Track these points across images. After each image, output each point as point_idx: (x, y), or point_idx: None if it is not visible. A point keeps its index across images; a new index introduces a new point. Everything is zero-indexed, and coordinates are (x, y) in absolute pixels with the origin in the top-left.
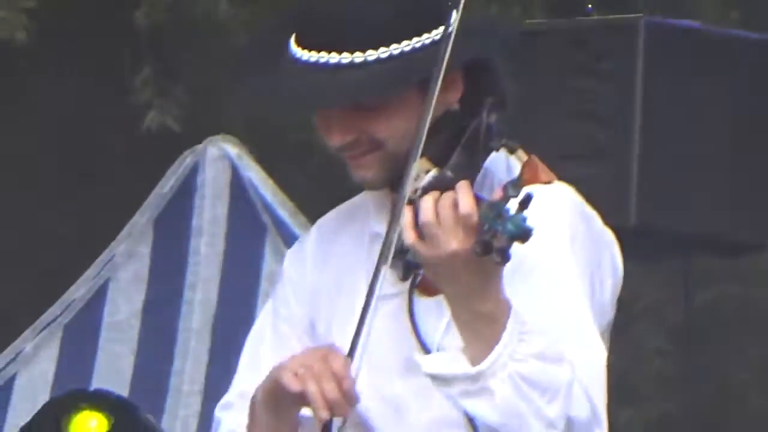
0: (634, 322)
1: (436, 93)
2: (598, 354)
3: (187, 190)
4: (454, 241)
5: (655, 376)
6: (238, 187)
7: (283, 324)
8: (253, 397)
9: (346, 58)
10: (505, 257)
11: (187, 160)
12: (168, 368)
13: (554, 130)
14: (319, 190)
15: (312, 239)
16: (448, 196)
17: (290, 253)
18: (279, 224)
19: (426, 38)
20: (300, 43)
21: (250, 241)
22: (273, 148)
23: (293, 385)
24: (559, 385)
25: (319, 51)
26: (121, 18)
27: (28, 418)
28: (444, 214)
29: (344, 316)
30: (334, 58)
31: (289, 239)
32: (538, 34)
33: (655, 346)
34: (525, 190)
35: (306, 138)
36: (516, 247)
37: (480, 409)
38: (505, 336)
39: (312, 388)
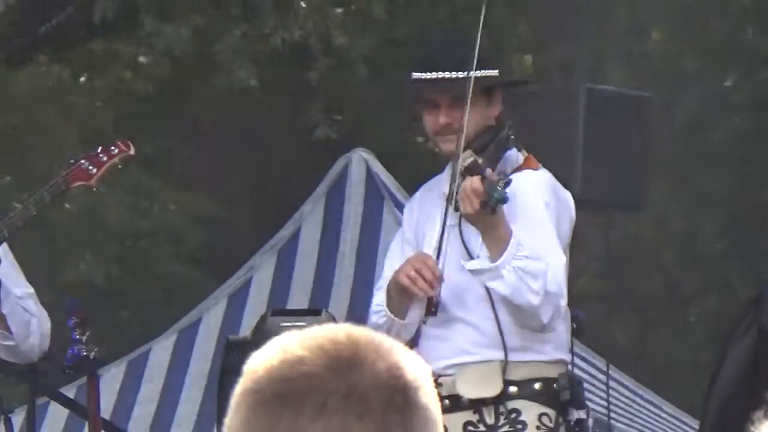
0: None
1: (468, 106)
2: (560, 257)
3: (342, 177)
4: (473, 204)
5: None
6: (370, 177)
7: (405, 242)
8: (387, 286)
9: (455, 74)
10: (495, 212)
11: (342, 159)
12: (330, 282)
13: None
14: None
15: (417, 195)
16: (475, 179)
17: (407, 205)
18: (392, 197)
19: (489, 71)
20: (425, 69)
21: (375, 207)
22: (392, 154)
23: (402, 279)
24: (539, 272)
25: (439, 71)
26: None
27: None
28: (466, 189)
29: (430, 235)
30: (449, 73)
31: (398, 205)
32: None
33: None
34: (525, 174)
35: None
36: (508, 205)
37: (497, 286)
38: (509, 247)
39: (420, 285)
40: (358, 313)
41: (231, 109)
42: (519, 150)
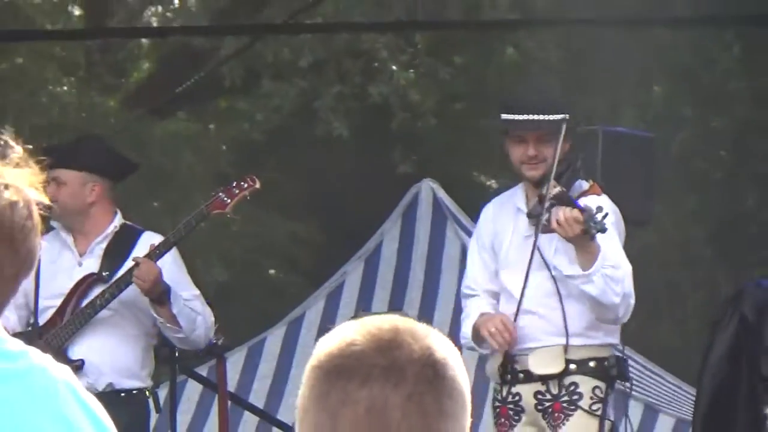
0: None
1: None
2: (629, 265)
3: (414, 202)
4: (574, 230)
5: None
6: (436, 202)
7: (482, 249)
8: (474, 323)
9: (541, 116)
10: (595, 236)
11: (413, 188)
12: (405, 284)
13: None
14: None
15: (490, 208)
16: (568, 210)
17: (482, 215)
18: (453, 217)
19: (564, 116)
20: (516, 112)
21: (440, 225)
22: (452, 183)
23: (484, 332)
24: (619, 279)
25: (528, 114)
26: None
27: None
28: (568, 218)
29: (506, 243)
30: (537, 115)
31: (458, 223)
32: None
33: None
34: (591, 199)
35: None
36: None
37: (588, 289)
38: (598, 260)
39: (497, 340)
40: (426, 310)
41: (327, 150)
42: (585, 179)
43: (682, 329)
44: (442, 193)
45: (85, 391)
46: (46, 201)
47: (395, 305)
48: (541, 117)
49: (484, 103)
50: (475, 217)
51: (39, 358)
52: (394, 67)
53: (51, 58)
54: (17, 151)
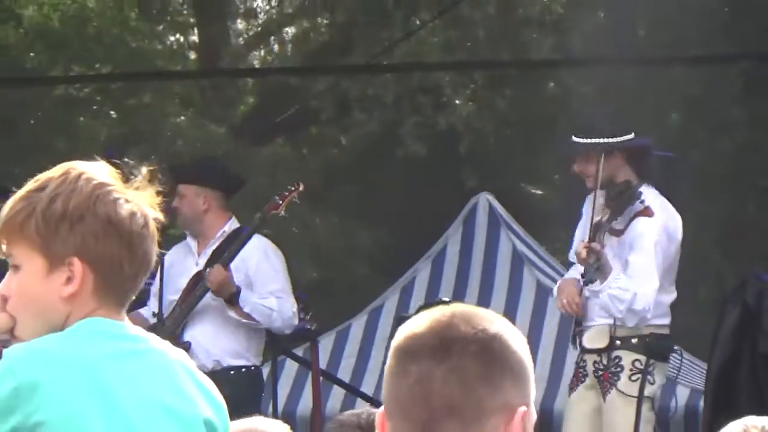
0: None
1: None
2: (653, 283)
3: (473, 212)
4: (582, 256)
5: None
6: (492, 211)
7: (584, 227)
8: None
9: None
10: (600, 264)
11: (472, 200)
12: (466, 279)
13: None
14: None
15: (585, 203)
16: (583, 251)
17: (584, 205)
18: (506, 224)
19: (599, 140)
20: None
21: (494, 231)
22: (506, 196)
23: (558, 303)
24: (625, 299)
25: (584, 138)
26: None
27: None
28: (581, 255)
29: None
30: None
31: (510, 229)
32: None
33: None
34: (641, 221)
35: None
36: (633, 240)
37: (597, 302)
38: (608, 280)
39: (567, 310)
40: (483, 300)
41: (403, 170)
42: (641, 202)
43: (696, 315)
44: (496, 204)
45: (198, 370)
46: (161, 217)
47: (457, 296)
48: (580, 140)
49: (531, 128)
50: (524, 222)
51: (158, 343)
52: (457, 101)
53: (171, 95)
54: (140, 175)
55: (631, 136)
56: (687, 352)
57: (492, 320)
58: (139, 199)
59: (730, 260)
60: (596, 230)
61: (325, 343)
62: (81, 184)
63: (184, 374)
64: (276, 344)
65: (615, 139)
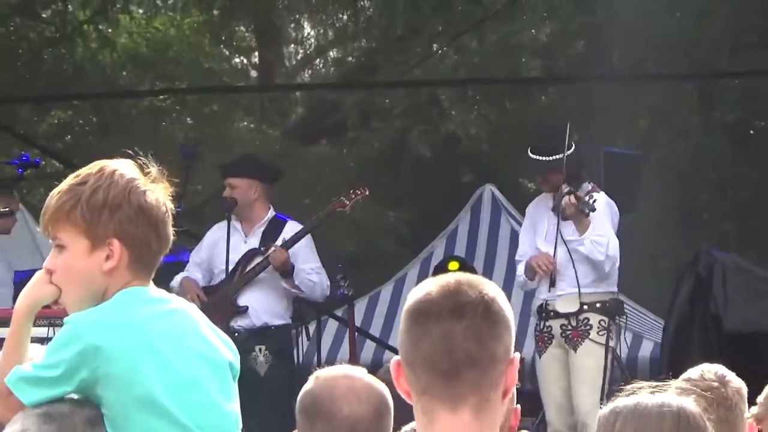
0: None
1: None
2: (615, 239)
3: (479, 200)
4: (571, 210)
5: None
6: (494, 199)
7: (530, 228)
8: (527, 261)
9: (553, 155)
10: (588, 215)
11: (478, 190)
12: (473, 254)
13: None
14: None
15: (532, 206)
16: (572, 196)
17: (528, 210)
18: (506, 210)
19: (562, 155)
20: (535, 153)
21: (496, 215)
22: (506, 187)
23: (533, 264)
24: (603, 243)
25: (542, 155)
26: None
27: None
28: (567, 203)
29: (541, 227)
30: (550, 155)
31: (509, 214)
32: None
33: None
34: (595, 195)
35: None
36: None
37: (581, 248)
38: (589, 230)
39: (543, 268)
40: (487, 271)
41: (422, 167)
42: (588, 182)
43: (657, 283)
44: (498, 193)
45: (213, 325)
46: (172, 206)
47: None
48: (545, 158)
49: (523, 134)
50: (520, 208)
51: (181, 303)
52: (453, 112)
53: (236, 106)
54: (153, 169)
55: (573, 148)
56: (651, 312)
57: (486, 285)
58: (159, 190)
59: (686, 240)
60: (568, 194)
61: (360, 306)
62: (116, 178)
63: (206, 327)
64: (320, 307)
65: (565, 154)
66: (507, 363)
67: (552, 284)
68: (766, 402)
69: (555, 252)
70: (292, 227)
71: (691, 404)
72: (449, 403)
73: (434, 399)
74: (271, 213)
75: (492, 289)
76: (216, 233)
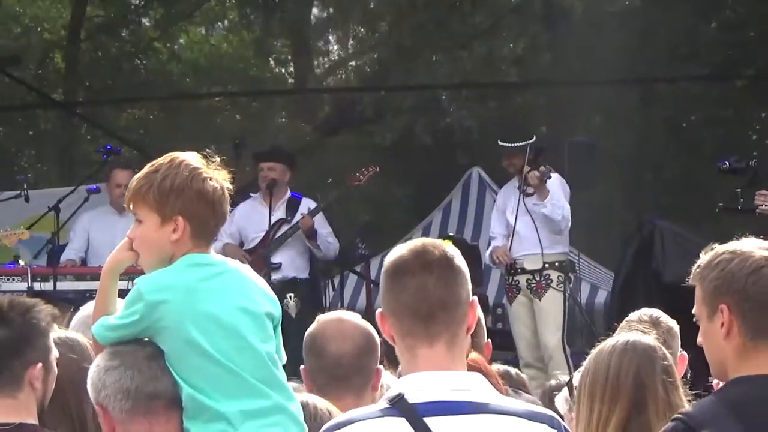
0: None
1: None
2: (567, 205)
3: (468, 179)
4: (535, 180)
5: None
6: (481, 179)
7: (497, 210)
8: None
9: (514, 143)
10: (546, 182)
11: (468, 171)
12: (463, 225)
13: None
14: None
15: (502, 191)
16: (536, 171)
17: (498, 195)
18: (490, 188)
19: (528, 141)
20: (503, 141)
21: (482, 192)
22: (491, 169)
23: (494, 257)
24: (560, 207)
25: (508, 143)
26: (452, 136)
27: None
28: (533, 175)
29: (510, 208)
30: (513, 143)
31: (493, 192)
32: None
33: None
34: (551, 173)
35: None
36: (548, 184)
37: (544, 210)
38: (548, 197)
39: (501, 262)
40: (475, 238)
41: (420, 153)
42: (545, 165)
43: (609, 245)
44: (483, 174)
45: (259, 277)
46: (231, 187)
47: (458, 233)
48: (509, 145)
49: (504, 127)
50: (502, 186)
51: (233, 263)
52: (450, 109)
53: (276, 105)
54: (216, 160)
55: (533, 139)
56: (604, 266)
57: (446, 246)
58: (218, 176)
59: (632, 210)
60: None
61: (374, 263)
62: (182, 168)
63: (251, 283)
64: (342, 263)
65: (526, 143)
66: (468, 305)
67: (508, 269)
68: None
69: (515, 222)
70: (306, 202)
71: (642, 337)
72: (427, 340)
73: (415, 338)
74: (289, 192)
75: (451, 248)
76: (244, 208)
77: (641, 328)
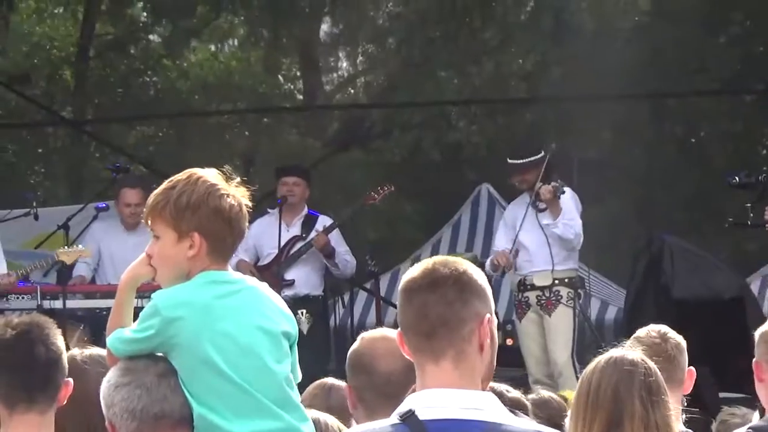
0: None
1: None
2: (579, 222)
3: (478, 195)
4: (547, 196)
5: None
6: (490, 195)
7: (505, 226)
8: (494, 253)
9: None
10: (559, 198)
11: (477, 188)
12: (473, 240)
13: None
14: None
15: (510, 206)
16: (549, 185)
17: (505, 211)
18: (499, 204)
19: (539, 156)
20: (513, 158)
21: (491, 208)
22: (499, 185)
23: (494, 261)
24: (573, 226)
25: (519, 160)
26: (458, 153)
27: None
28: (545, 190)
29: (517, 223)
30: (524, 159)
31: (502, 207)
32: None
33: None
34: (564, 188)
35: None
36: (562, 200)
37: (556, 230)
38: (561, 215)
39: (500, 263)
40: (485, 254)
41: (428, 169)
42: (557, 180)
43: (619, 261)
44: (493, 190)
45: (276, 295)
46: (250, 204)
47: (468, 250)
48: (520, 161)
49: (513, 143)
50: (510, 202)
51: (251, 281)
52: (459, 124)
53: (285, 122)
54: (236, 179)
55: (543, 154)
56: (614, 282)
57: (459, 262)
58: (236, 192)
59: (641, 226)
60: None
61: (384, 280)
62: (199, 184)
63: (268, 301)
64: (352, 280)
65: (538, 157)
66: (477, 322)
67: (509, 268)
68: (761, 346)
69: (522, 236)
70: (323, 220)
71: (627, 352)
72: (432, 356)
73: (422, 355)
74: (306, 209)
75: (463, 264)
76: (261, 224)
77: (649, 343)
